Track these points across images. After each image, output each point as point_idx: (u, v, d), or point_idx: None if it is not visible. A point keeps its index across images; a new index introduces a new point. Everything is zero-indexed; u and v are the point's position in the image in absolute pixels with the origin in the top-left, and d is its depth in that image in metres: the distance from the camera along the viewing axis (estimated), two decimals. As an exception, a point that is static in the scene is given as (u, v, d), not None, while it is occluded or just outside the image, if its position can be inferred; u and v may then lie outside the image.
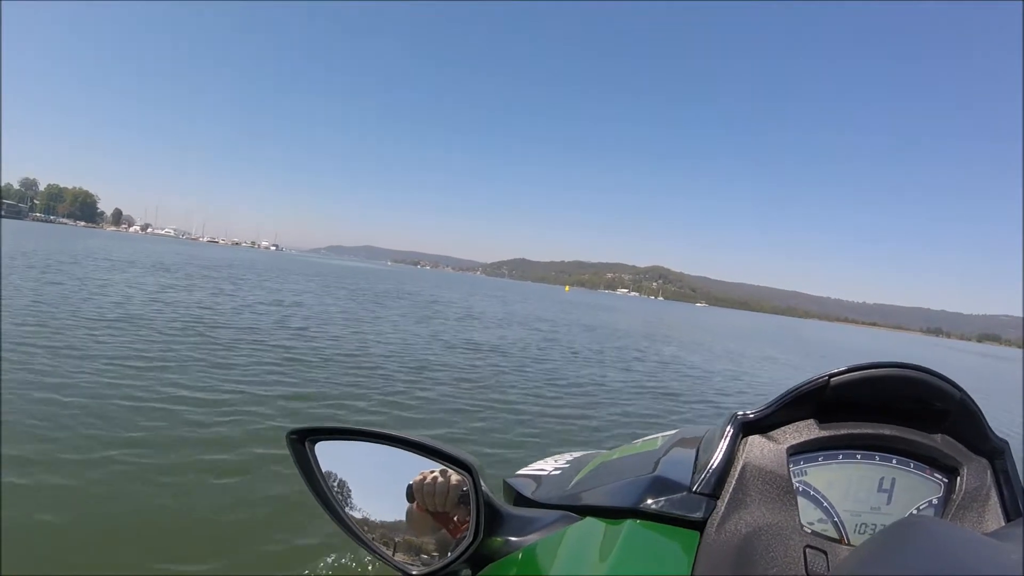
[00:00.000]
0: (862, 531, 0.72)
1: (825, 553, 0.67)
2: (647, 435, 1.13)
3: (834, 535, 0.72)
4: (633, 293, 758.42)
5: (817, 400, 0.73)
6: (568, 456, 1.24)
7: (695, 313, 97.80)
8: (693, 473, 0.75)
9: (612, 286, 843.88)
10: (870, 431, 0.73)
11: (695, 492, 0.70)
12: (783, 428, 0.74)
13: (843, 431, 0.73)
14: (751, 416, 0.73)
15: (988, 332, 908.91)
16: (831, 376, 0.71)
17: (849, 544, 0.71)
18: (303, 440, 0.87)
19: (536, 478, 1.05)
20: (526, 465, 1.24)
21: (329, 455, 0.88)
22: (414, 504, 0.83)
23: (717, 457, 0.72)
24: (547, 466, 1.14)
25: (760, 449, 0.72)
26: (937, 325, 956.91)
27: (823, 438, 0.73)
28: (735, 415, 0.74)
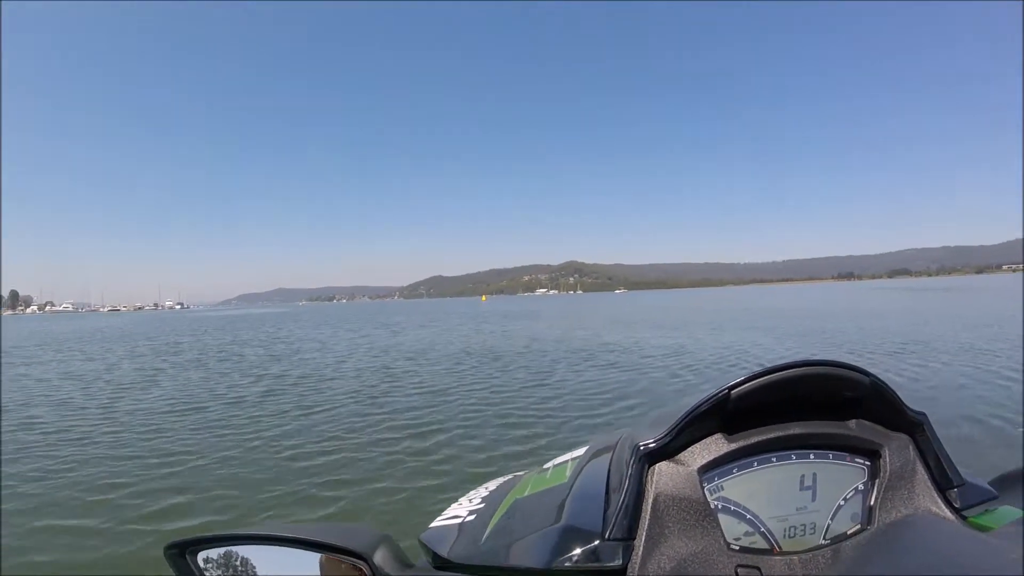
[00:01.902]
0: (792, 535, 0.70)
1: (758, 568, 0.66)
2: (558, 455, 1.09)
3: (764, 546, 0.70)
4: (552, 292, 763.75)
5: (720, 413, 0.70)
6: (483, 491, 1.14)
7: (614, 301, 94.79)
8: (605, 512, 0.71)
9: (531, 288, 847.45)
10: (781, 433, 0.71)
11: (609, 539, 0.66)
12: (690, 449, 0.71)
13: (753, 439, 0.71)
14: (652, 445, 0.70)
15: (897, 268, 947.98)
16: (730, 388, 0.69)
17: (781, 551, 0.69)
18: (183, 553, 0.82)
19: (453, 528, 0.98)
20: (440, 512, 1.12)
21: (214, 563, 0.82)
22: None
23: (625, 496, 0.69)
24: (462, 510, 1.05)
25: (670, 476, 0.69)
26: (848, 270, 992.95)
27: (733, 451, 0.70)
28: (637, 447, 0.70)
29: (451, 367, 13.52)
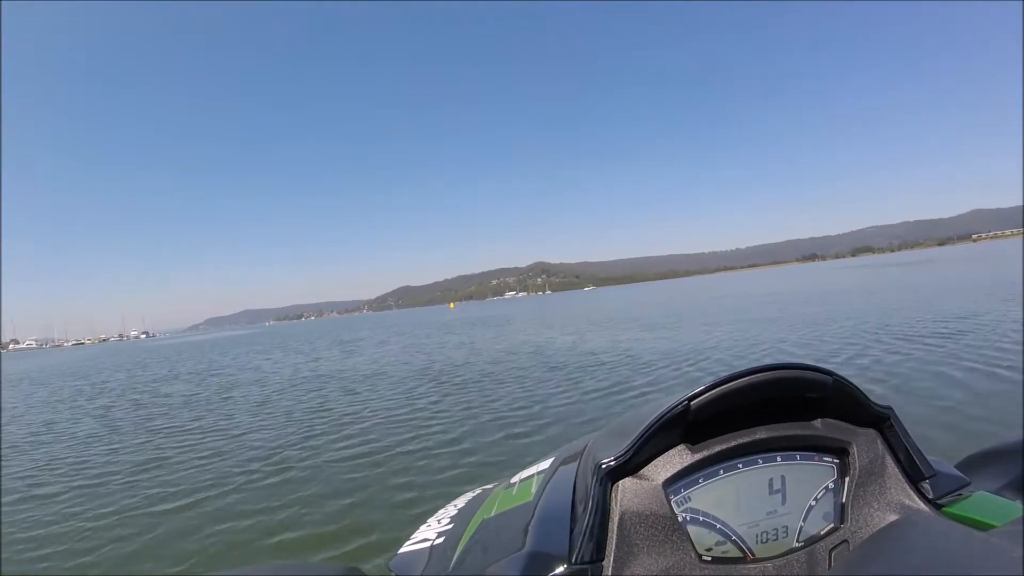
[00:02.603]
0: (764, 540, 0.70)
1: None
2: (525, 468, 1.10)
3: (737, 554, 0.70)
4: (521, 294, 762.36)
5: (681, 424, 0.70)
6: (451, 509, 1.17)
7: (585, 299, 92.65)
8: (571, 533, 0.70)
9: (499, 291, 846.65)
10: (745, 439, 0.71)
11: (576, 563, 0.66)
12: (654, 463, 0.70)
13: (717, 448, 0.70)
14: (613, 462, 0.69)
15: (859, 246, 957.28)
16: (689, 399, 0.68)
17: (755, 558, 0.69)
18: None
19: (423, 552, 0.99)
20: (411, 535, 1.13)
21: None
22: None
23: (589, 517, 0.67)
24: (431, 532, 1.07)
25: (634, 493, 0.69)
26: (811, 252, 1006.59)
27: (698, 461, 0.70)
28: (599, 465, 0.69)
29: (403, 401, 10.87)
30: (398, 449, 7.14)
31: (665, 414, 0.68)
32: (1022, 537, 0.51)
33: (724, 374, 0.69)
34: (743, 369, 0.69)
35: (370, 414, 9.72)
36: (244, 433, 9.30)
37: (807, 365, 0.71)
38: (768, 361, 0.72)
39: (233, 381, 18.26)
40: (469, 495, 1.22)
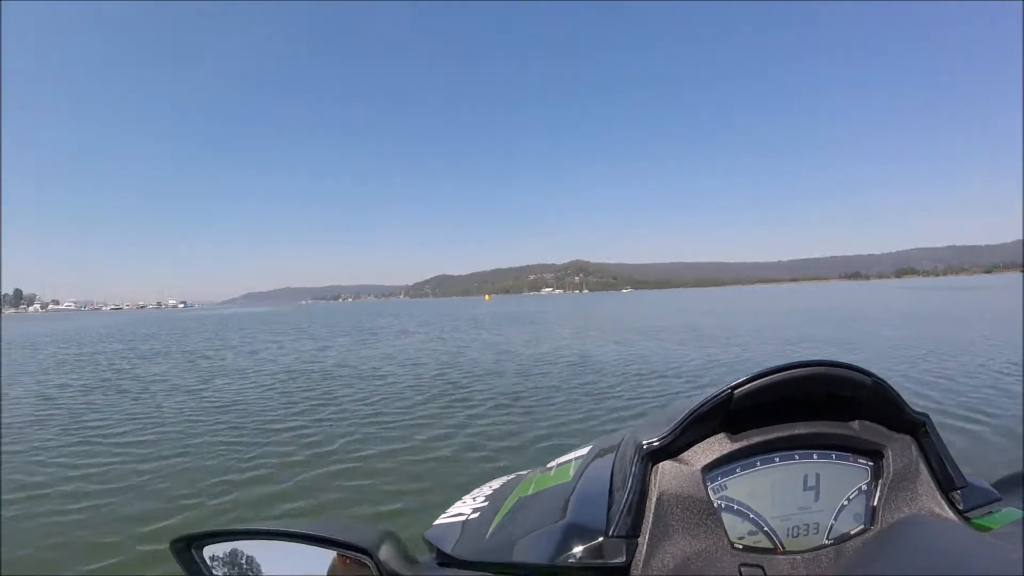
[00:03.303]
0: (795, 534, 0.71)
1: (761, 567, 0.66)
2: (562, 455, 1.10)
3: (768, 545, 0.70)
4: (557, 291, 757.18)
5: (723, 413, 0.71)
6: (487, 489, 1.16)
7: (623, 302, 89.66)
8: (609, 510, 0.71)
9: (536, 287, 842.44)
10: (784, 433, 0.72)
11: (613, 536, 0.67)
12: (694, 448, 0.72)
13: (756, 439, 0.71)
14: (656, 443, 0.70)
15: (904, 267, 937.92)
16: (733, 388, 0.69)
17: (785, 551, 0.70)
18: (189, 547, 0.83)
19: (456, 525, 0.99)
20: (445, 510, 1.13)
21: (220, 559, 0.82)
22: None
23: (628, 494, 0.69)
24: (466, 508, 1.07)
25: (673, 475, 0.70)
26: (854, 270, 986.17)
27: (737, 450, 0.71)
28: (640, 445, 0.71)
29: (389, 426, 8.29)
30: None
31: (709, 400, 0.69)
32: (1022, 538, 0.51)
33: (768, 366, 0.70)
34: (787, 363, 0.69)
35: (320, 441, 7.45)
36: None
37: (849, 364, 0.71)
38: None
39: (219, 367, 16.07)
40: (504, 479, 1.19)
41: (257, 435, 7.82)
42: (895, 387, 0.74)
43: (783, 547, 0.70)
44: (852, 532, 0.71)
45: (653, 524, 0.67)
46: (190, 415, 9.37)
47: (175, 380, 13.62)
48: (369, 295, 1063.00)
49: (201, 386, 12.50)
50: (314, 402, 10.14)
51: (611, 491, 0.75)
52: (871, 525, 0.71)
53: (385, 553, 0.76)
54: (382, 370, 13.86)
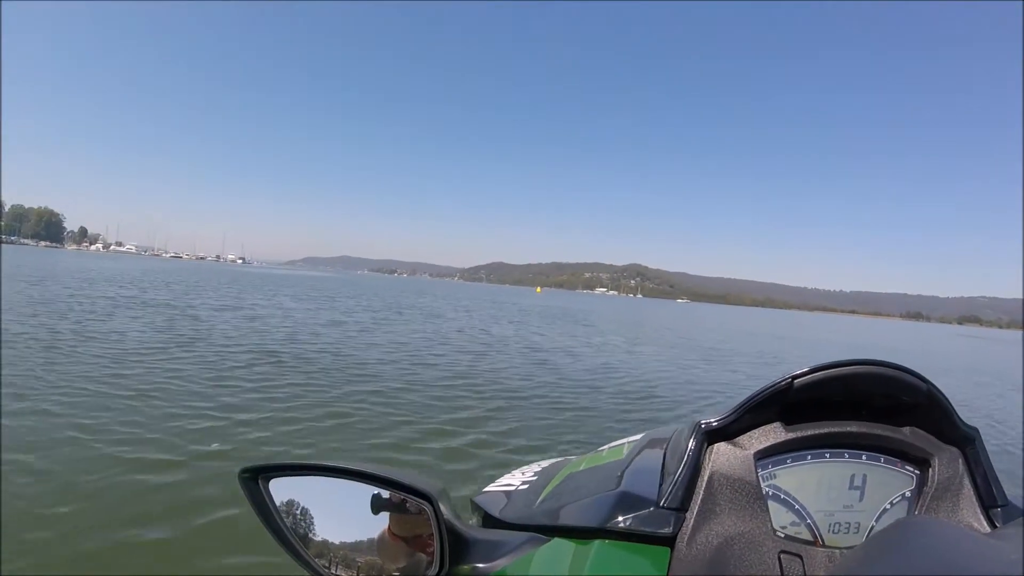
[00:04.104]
0: (836, 530, 0.72)
1: (800, 557, 0.67)
2: (613, 441, 1.13)
3: (808, 537, 0.71)
4: (612, 292, 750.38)
5: (781, 402, 0.72)
6: (536, 467, 1.21)
7: (682, 313, 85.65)
8: (660, 485, 0.74)
9: (590, 285, 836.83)
10: (837, 429, 0.73)
11: (663, 507, 0.70)
12: (749, 433, 0.74)
13: (810, 432, 0.73)
14: (715, 424, 0.73)
15: (967, 314, 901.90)
16: (794, 377, 0.71)
17: (824, 545, 0.71)
18: (256, 478, 0.84)
19: (504, 494, 1.04)
20: (494, 480, 1.20)
21: (284, 492, 0.84)
22: (386, 529, 0.81)
23: (682, 469, 0.71)
24: (515, 480, 1.12)
25: (727, 457, 0.72)
26: (916, 310, 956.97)
27: (790, 440, 0.72)
28: (699, 424, 0.73)
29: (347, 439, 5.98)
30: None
31: (770, 387, 0.71)
32: (1022, 537, 0.52)
33: (830, 360, 0.71)
34: (847, 359, 0.71)
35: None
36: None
37: (907, 368, 0.72)
38: None
39: (215, 330, 13.41)
40: (554, 459, 1.24)
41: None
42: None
43: (823, 541, 0.71)
44: None
45: (703, 500, 0.68)
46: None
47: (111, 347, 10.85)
48: (425, 273, 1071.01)
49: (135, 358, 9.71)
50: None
51: (664, 468, 0.77)
52: None
53: (443, 504, 0.77)
54: (369, 364, 10.73)
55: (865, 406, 0.74)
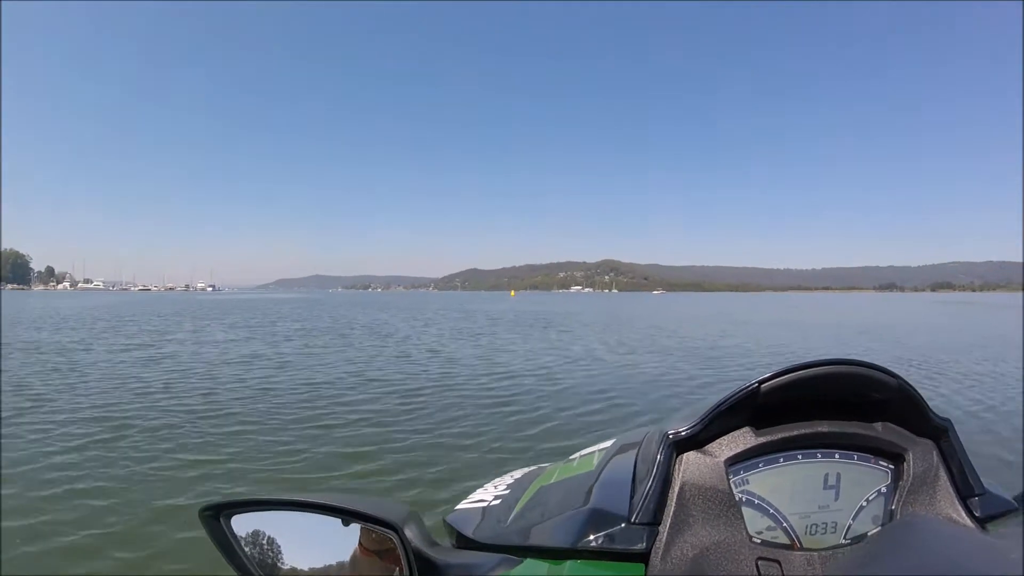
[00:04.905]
0: (813, 532, 0.72)
1: (778, 562, 0.67)
2: (584, 448, 1.14)
3: (785, 541, 0.71)
4: (587, 289, 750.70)
5: (750, 407, 0.72)
6: (508, 479, 1.20)
7: (659, 305, 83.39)
8: (631, 498, 0.73)
9: (565, 285, 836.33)
10: (808, 431, 0.72)
11: (634, 522, 0.68)
12: (719, 440, 0.73)
13: (780, 435, 0.72)
14: (683, 433, 0.71)
15: (940, 281, 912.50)
16: (760, 382, 0.70)
17: (802, 548, 0.70)
18: (217, 516, 0.83)
19: (478, 511, 1.03)
20: (466, 496, 1.19)
21: (248, 527, 0.83)
22: (357, 545, 0.81)
23: (652, 482, 0.70)
24: (487, 495, 1.11)
25: (697, 466, 0.71)
26: (889, 281, 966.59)
27: (761, 445, 0.72)
28: (666, 434, 0.72)
29: None
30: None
31: (736, 393, 0.70)
32: (1022, 537, 0.51)
33: (796, 362, 0.71)
34: (814, 360, 0.70)
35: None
36: None
37: (875, 365, 0.72)
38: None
39: (77, 387, 10.04)
40: (525, 469, 1.23)
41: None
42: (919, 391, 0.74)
43: (800, 544, 0.70)
44: (869, 533, 0.72)
45: (675, 513, 0.68)
46: None
47: None
48: (399, 286, 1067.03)
49: None
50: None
51: (634, 480, 0.76)
52: None
53: (410, 531, 0.76)
54: (246, 424, 7.83)
55: (835, 404, 0.74)
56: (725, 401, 0.70)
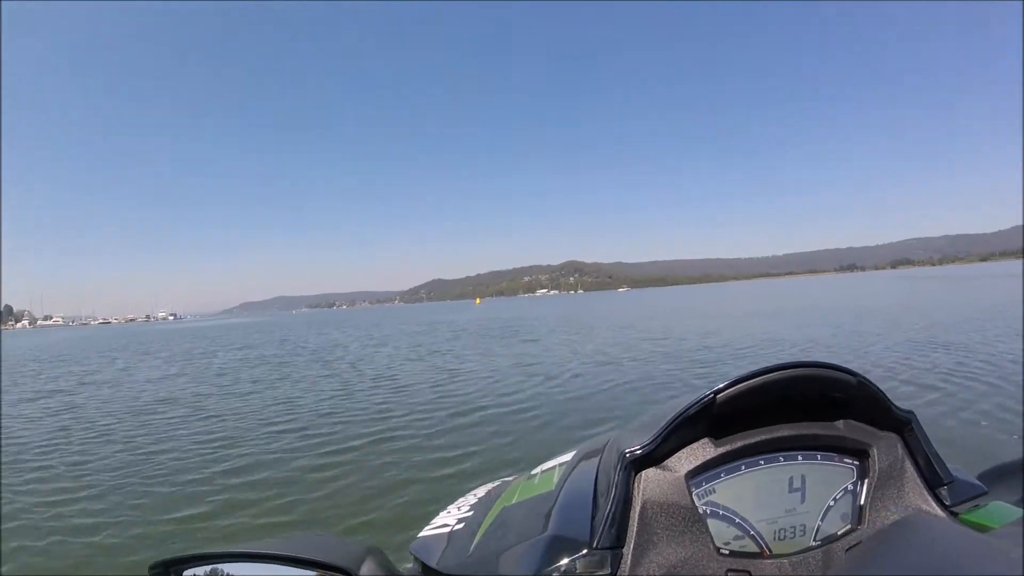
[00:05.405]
0: (782, 537, 0.71)
1: (748, 572, 0.66)
2: (546, 461, 1.11)
3: (754, 549, 0.70)
4: (553, 292, 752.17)
5: (707, 418, 0.71)
6: (472, 498, 1.19)
7: (626, 302, 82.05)
8: (592, 520, 0.71)
9: (531, 289, 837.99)
10: (768, 436, 0.72)
11: (597, 548, 0.67)
12: (677, 454, 0.71)
13: (740, 443, 0.71)
14: (639, 451, 0.70)
15: (899, 258, 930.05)
16: (716, 392, 0.69)
17: (772, 555, 0.70)
18: (167, 572, 0.81)
19: (442, 536, 1.02)
20: (430, 520, 1.16)
21: None
22: None
23: (612, 504, 0.69)
24: (451, 519, 1.09)
25: (657, 483, 0.70)
26: (850, 262, 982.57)
27: (721, 455, 0.71)
28: (623, 454, 0.70)
29: None
30: None
31: (691, 406, 0.69)
32: (1022, 538, 0.51)
33: (751, 369, 0.70)
34: (770, 365, 0.69)
35: None
36: None
37: (833, 365, 0.71)
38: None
39: None
40: (489, 485, 1.23)
41: None
42: (880, 385, 0.73)
43: (770, 551, 0.70)
44: (839, 533, 0.72)
45: (638, 533, 0.66)
46: None
47: None
48: (364, 301, 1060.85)
49: None
50: None
51: (595, 500, 0.74)
52: (858, 525, 0.72)
53: (367, 569, 0.75)
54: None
55: (795, 406, 0.73)
56: (680, 415, 0.69)
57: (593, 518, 0.70)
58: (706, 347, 15.54)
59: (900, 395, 8.26)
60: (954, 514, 0.71)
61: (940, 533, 0.58)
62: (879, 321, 19.47)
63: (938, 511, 0.70)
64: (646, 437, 0.70)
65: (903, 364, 10.65)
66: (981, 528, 0.66)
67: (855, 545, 0.70)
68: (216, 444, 8.06)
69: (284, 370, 17.03)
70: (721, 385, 0.69)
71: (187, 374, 17.91)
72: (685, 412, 0.69)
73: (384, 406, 10.13)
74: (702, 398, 0.69)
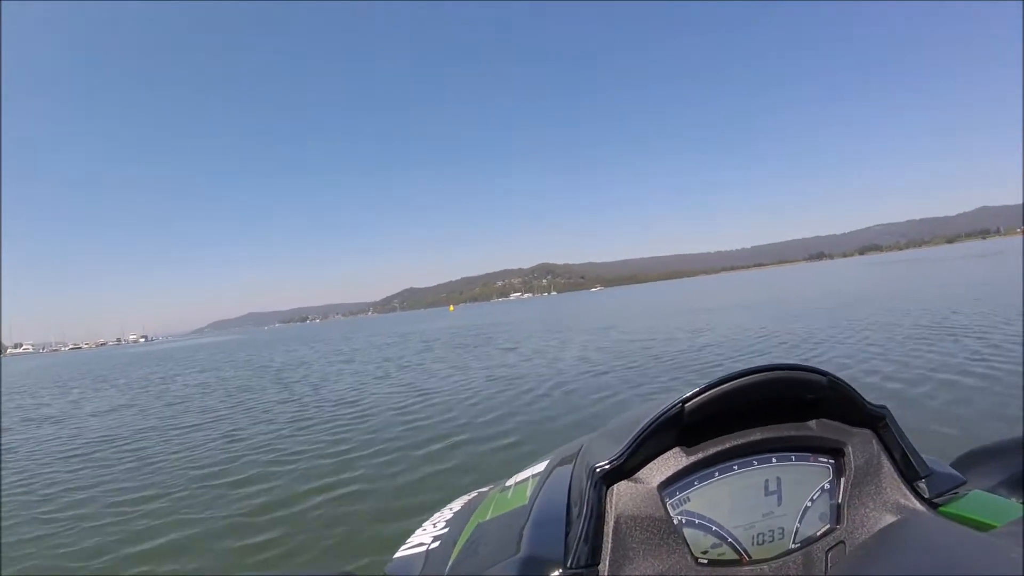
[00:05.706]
0: (760, 541, 0.70)
1: None
2: (520, 471, 1.12)
3: (733, 556, 0.70)
4: (526, 295, 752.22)
5: (676, 427, 0.70)
6: (448, 513, 1.18)
7: (601, 301, 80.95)
8: (566, 537, 0.70)
9: (504, 293, 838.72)
10: (740, 441, 0.71)
11: (571, 567, 0.66)
12: (649, 466, 0.70)
13: (712, 450, 0.70)
14: (608, 466, 0.69)
15: (867, 244, 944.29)
16: (684, 401, 0.68)
17: (751, 560, 0.69)
18: None
19: (419, 556, 1.00)
20: (406, 538, 1.15)
21: None
22: None
23: (584, 522, 0.68)
24: (426, 537, 1.08)
25: (629, 496, 0.68)
26: (818, 250, 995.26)
27: (692, 464, 0.70)
28: (593, 469, 0.69)
29: None
30: None
31: (659, 417, 0.68)
32: (1022, 537, 0.51)
33: (719, 376, 0.69)
34: (738, 371, 0.69)
35: None
36: None
37: (801, 366, 0.71)
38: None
39: None
40: (464, 498, 1.23)
41: None
42: (852, 382, 0.73)
43: (749, 556, 0.69)
44: (818, 533, 0.71)
45: (612, 550, 0.65)
46: None
47: None
48: (337, 314, 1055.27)
49: None
50: None
51: (568, 515, 0.73)
52: (837, 524, 0.71)
53: None
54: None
55: (767, 408, 0.72)
56: (647, 427, 0.68)
57: (567, 535, 0.69)
58: (705, 347, 14.57)
59: (899, 380, 7.69)
60: (934, 506, 0.70)
61: (939, 533, 0.58)
62: (861, 308, 18.81)
63: (917, 505, 0.70)
64: (615, 450, 0.68)
65: (879, 356, 10.06)
66: (964, 519, 0.66)
67: (835, 546, 0.69)
68: (139, 497, 6.94)
69: (240, 396, 15.78)
70: (688, 394, 0.68)
71: (136, 404, 16.63)
72: (652, 424, 0.68)
73: (342, 436, 9.04)
74: (669, 408, 0.68)
